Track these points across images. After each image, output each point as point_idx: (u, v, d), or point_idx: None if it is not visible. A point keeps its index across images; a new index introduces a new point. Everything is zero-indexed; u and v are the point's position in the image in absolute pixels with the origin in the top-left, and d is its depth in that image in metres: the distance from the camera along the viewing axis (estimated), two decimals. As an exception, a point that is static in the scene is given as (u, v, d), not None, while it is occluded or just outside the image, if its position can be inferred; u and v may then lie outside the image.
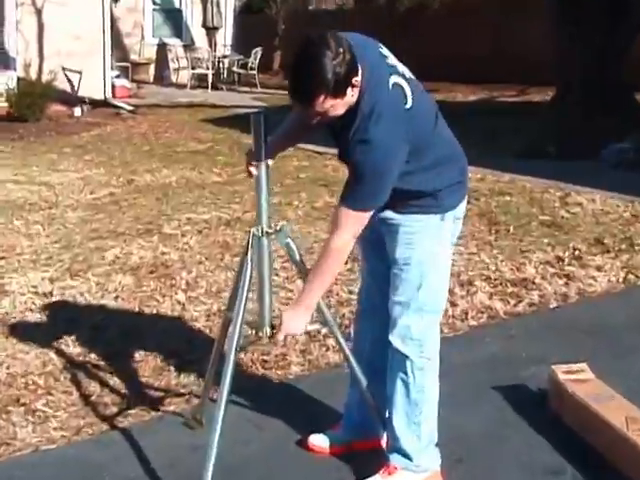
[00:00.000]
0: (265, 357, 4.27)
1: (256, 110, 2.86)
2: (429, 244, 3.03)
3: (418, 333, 3.07)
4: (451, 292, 4.84)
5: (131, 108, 13.53)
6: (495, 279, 5.24)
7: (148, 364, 4.28)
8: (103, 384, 4.06)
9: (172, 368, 4.23)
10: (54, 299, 5.11)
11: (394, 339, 3.09)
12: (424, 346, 3.09)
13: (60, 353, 4.38)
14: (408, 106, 2.81)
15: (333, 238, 2.87)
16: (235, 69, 18.80)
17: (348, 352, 3.17)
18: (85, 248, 6.09)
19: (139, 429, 3.60)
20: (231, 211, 6.86)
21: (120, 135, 11.66)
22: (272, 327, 3.10)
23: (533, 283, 5.16)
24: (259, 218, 3.01)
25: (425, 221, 2.98)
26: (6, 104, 12.31)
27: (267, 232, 3.01)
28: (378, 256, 3.13)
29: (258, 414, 3.66)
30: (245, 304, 2.98)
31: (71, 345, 4.47)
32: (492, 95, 16.07)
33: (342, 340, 3.18)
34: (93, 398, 3.94)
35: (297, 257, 3.07)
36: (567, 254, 5.68)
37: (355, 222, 2.85)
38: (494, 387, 3.82)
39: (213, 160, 9.65)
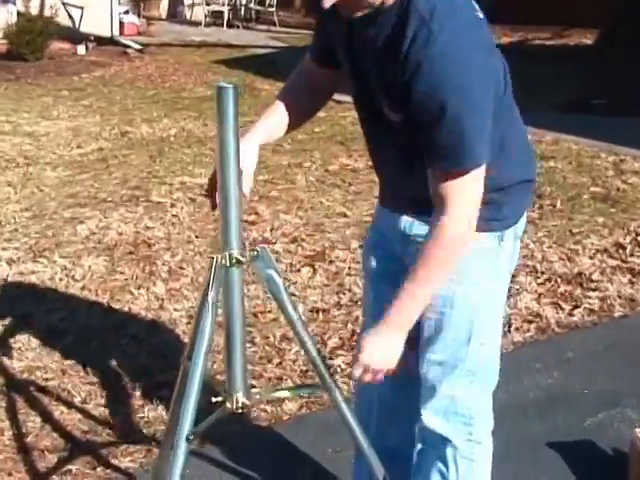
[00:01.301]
0: (253, 382, 3.32)
1: (224, 82, 1.75)
2: (481, 277, 2.04)
3: (466, 406, 2.11)
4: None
5: (139, 47, 12.45)
6: (542, 272, 4.23)
7: (107, 386, 3.33)
8: (45, 417, 3.13)
9: (137, 393, 3.29)
10: (7, 289, 4.16)
11: (429, 416, 2.13)
12: (474, 425, 2.12)
13: (1, 368, 3.45)
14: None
15: (444, 225, 1.86)
16: (252, 6, 17.60)
17: (352, 421, 2.19)
18: (58, 219, 5.12)
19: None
20: (232, 174, 5.83)
21: (124, 77, 10.60)
22: (248, 390, 2.13)
23: (590, 280, 4.14)
24: (226, 240, 2.01)
25: (477, 243, 1.98)
26: (5, 41, 11.28)
27: (238, 260, 2.01)
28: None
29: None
30: (204, 364, 2.00)
31: (16, 356, 3.53)
32: (526, 37, 14.79)
33: (343, 405, 2.18)
34: (28, 439, 3.00)
35: (283, 296, 2.07)
36: (628, 239, 4.64)
37: (472, 189, 1.86)
38: (551, 444, 2.84)
39: (221, 108, 8.58)
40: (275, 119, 2.20)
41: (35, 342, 3.64)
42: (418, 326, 2.08)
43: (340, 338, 3.66)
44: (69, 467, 2.83)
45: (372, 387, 2.28)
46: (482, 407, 2.14)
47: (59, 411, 3.17)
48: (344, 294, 4.08)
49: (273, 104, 2.21)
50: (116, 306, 3.99)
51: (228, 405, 2.09)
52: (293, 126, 2.22)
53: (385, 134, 2.00)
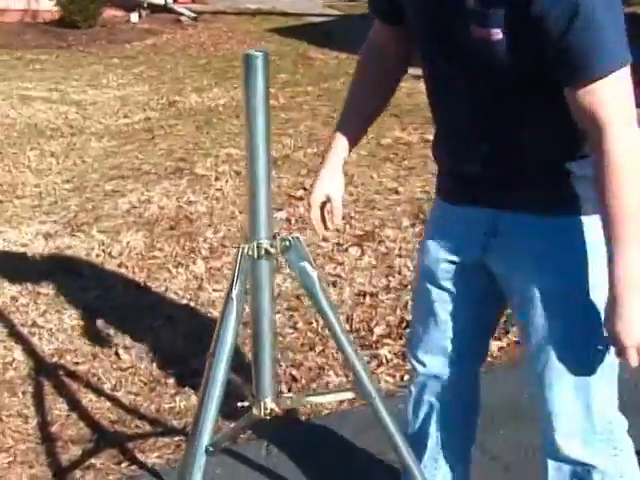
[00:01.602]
0: (293, 372, 3.10)
1: (255, 50, 1.49)
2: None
3: (603, 415, 1.84)
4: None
5: (193, 15, 12.21)
6: None
7: (139, 373, 3.14)
8: (72, 405, 2.95)
9: (170, 381, 3.09)
10: (42, 265, 3.99)
11: (565, 442, 1.86)
12: (615, 440, 1.87)
13: (29, 351, 3.28)
14: None
15: (611, 150, 1.57)
16: (311, -27, 17.23)
17: (395, 433, 1.95)
18: (99, 191, 4.94)
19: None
20: (280, 146, 5.61)
21: (176, 45, 10.38)
22: (278, 395, 1.91)
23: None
24: (254, 228, 1.78)
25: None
26: (57, 8, 11.12)
27: (267, 251, 1.78)
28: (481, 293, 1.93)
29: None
30: (227, 367, 1.78)
31: (46, 338, 3.36)
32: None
33: (385, 415, 1.95)
34: (53, 429, 2.82)
35: (317, 291, 1.83)
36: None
37: (626, 91, 1.58)
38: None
39: (272, 77, 8.35)
40: (355, 123, 2.01)
41: (67, 323, 3.47)
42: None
43: (387, 325, 3.42)
44: (93, 461, 2.64)
45: (433, 392, 2.05)
46: (615, 406, 1.87)
47: (87, 398, 2.99)
48: (393, 277, 3.83)
49: (348, 101, 2.01)
50: (153, 285, 3.79)
51: (255, 411, 1.87)
52: (371, 121, 2.03)
53: (475, 75, 1.68)
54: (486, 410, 2.79)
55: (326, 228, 2.06)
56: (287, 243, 1.80)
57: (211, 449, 1.74)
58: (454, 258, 1.91)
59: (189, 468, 1.75)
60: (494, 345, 3.22)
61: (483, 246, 1.84)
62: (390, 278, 3.82)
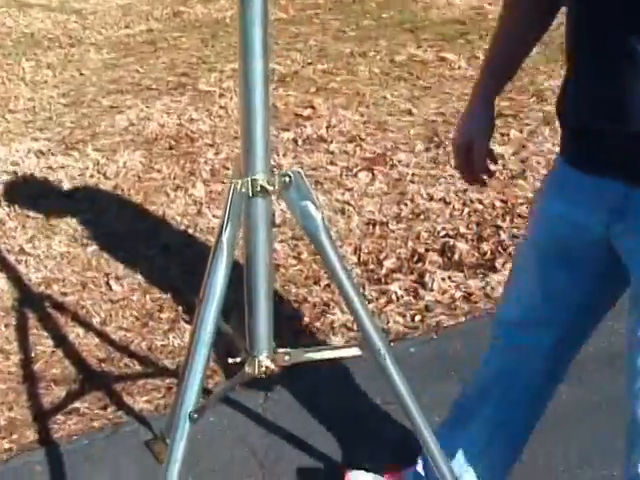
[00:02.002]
0: (295, 306, 2.87)
1: None
2: None
3: None
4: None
5: None
6: None
7: (130, 306, 2.92)
8: (58, 340, 2.74)
9: (164, 316, 2.87)
10: (33, 186, 3.73)
11: None
12: None
13: (15, 279, 3.06)
14: None
15: None
16: None
17: (408, 397, 1.71)
18: (96, 106, 4.64)
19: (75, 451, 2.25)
20: (288, 61, 5.28)
21: (184, -48, 9.93)
22: (274, 351, 1.67)
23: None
24: (249, 161, 1.52)
25: None
26: None
27: (264, 188, 1.52)
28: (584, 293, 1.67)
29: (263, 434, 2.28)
30: (215, 321, 1.54)
31: (33, 266, 3.13)
32: None
33: (396, 378, 1.70)
34: (37, 366, 2.62)
35: (322, 235, 1.58)
36: None
37: None
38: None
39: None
40: (506, 58, 1.72)
41: (56, 250, 3.23)
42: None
43: (398, 258, 3.18)
44: (77, 405, 2.43)
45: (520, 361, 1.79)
46: None
47: (74, 333, 2.77)
48: (405, 205, 3.57)
49: (499, 33, 1.71)
50: (149, 209, 3.54)
51: (248, 369, 1.64)
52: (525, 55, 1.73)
53: None
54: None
55: (476, 180, 1.79)
56: (287, 179, 1.54)
57: (195, 415, 1.50)
58: (571, 229, 1.61)
59: (172, 434, 1.52)
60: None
61: (607, 223, 1.53)
62: (402, 206, 3.56)
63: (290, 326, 2.78)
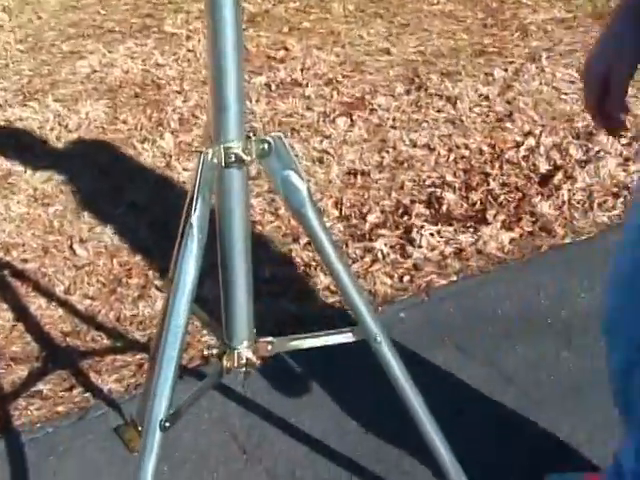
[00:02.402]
0: (273, 269, 2.66)
1: None
2: None
3: None
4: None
5: None
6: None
7: (96, 271, 2.69)
8: (19, 313, 2.52)
9: (133, 282, 2.65)
10: (-12, 141, 3.47)
11: None
12: None
13: (-30, 245, 2.81)
14: None
15: None
16: None
17: (407, 386, 1.52)
18: (56, 52, 4.34)
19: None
20: (258, 0, 4.98)
21: None
22: (255, 340, 1.46)
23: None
24: (221, 127, 1.29)
25: None
26: None
27: (238, 157, 1.30)
28: None
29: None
30: (188, 306, 1.32)
31: (-10, 230, 2.89)
32: None
33: (393, 362, 1.50)
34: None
35: (308, 210, 1.36)
36: None
37: None
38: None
39: None
40: None
41: (15, 211, 2.98)
42: None
43: (382, 212, 2.96)
44: (40, 387, 2.22)
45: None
46: None
47: (36, 305, 2.55)
48: (387, 152, 3.34)
49: None
50: (115, 164, 3.29)
51: (226, 362, 1.43)
52: None
53: None
54: (499, 321, 2.39)
55: (611, 123, 1.37)
56: (265, 146, 1.32)
57: (167, 424, 1.30)
58: None
59: (141, 446, 1.31)
60: (505, 236, 2.78)
61: None
62: (383, 154, 3.33)
63: (269, 289, 2.57)
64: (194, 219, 1.28)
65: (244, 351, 1.44)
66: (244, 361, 1.44)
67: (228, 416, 2.06)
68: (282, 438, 2.01)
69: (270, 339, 1.48)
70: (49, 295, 2.59)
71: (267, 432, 2.03)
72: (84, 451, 1.96)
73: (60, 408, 2.13)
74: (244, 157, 1.28)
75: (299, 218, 1.36)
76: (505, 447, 1.98)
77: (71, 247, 2.80)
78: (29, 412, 2.12)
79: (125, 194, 3.09)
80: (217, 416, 2.06)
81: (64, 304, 2.55)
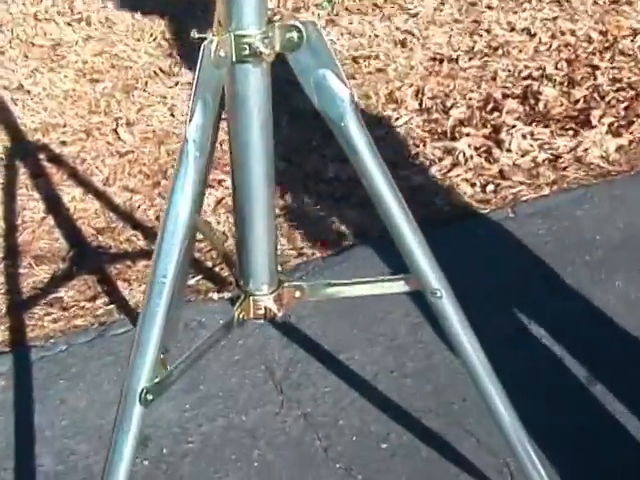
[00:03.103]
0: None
1: None
2: None
3: None
4: None
5: None
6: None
7: (139, 161, 2.39)
8: (50, 205, 2.24)
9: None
10: (37, 7, 3.13)
11: None
12: None
13: (7, 125, 2.53)
14: None
15: None
16: None
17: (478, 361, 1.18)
18: None
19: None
20: None
21: None
22: (278, 283, 1.13)
23: None
24: (233, 7, 0.93)
25: None
26: None
27: (256, 50, 0.94)
28: None
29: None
30: (180, 250, 0.99)
31: (32, 107, 2.59)
32: None
33: (458, 323, 1.16)
34: (21, 238, 2.14)
35: (350, 120, 0.99)
36: None
37: None
38: None
39: None
40: None
41: (60, 87, 2.67)
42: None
43: (468, 106, 2.55)
44: (61, 293, 1.94)
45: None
46: None
47: (70, 195, 2.26)
48: (480, 36, 2.90)
49: None
50: (174, 37, 2.94)
51: (238, 313, 1.10)
52: None
53: None
54: (598, 248, 2.00)
55: None
56: (294, 35, 0.95)
57: (150, 397, 0.98)
58: None
59: (115, 429, 1.01)
60: (611, 143, 2.36)
61: None
62: (475, 38, 2.89)
63: (330, 191, 2.24)
64: (189, 132, 0.93)
65: (263, 299, 1.11)
66: (262, 311, 1.11)
67: (265, 345, 1.75)
68: (327, 378, 1.69)
69: (298, 283, 1.14)
70: (85, 185, 2.29)
71: (310, 369, 1.71)
72: (99, 377, 1.69)
73: (79, 321, 1.85)
74: (262, 49, 0.92)
75: (338, 134, 1.00)
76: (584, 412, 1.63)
77: (115, 130, 2.49)
78: (44, 324, 1.85)
79: (183, 72, 2.75)
80: (252, 345, 1.75)
81: (101, 196, 2.26)
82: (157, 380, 0.99)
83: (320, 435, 1.59)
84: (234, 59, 0.93)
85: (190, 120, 0.92)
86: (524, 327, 1.79)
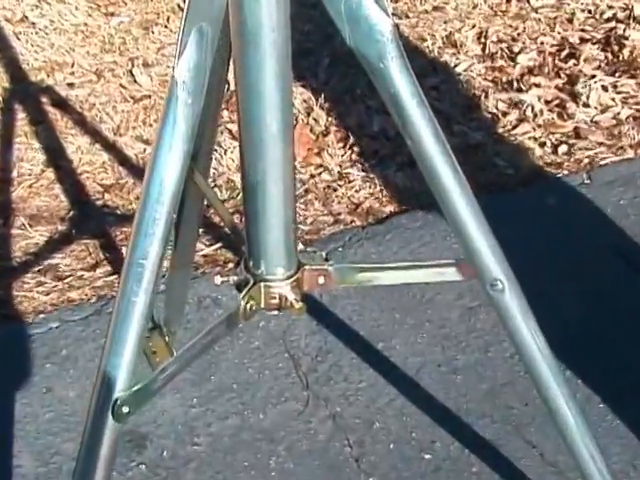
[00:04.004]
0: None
1: None
2: None
3: None
4: None
5: None
6: None
7: (156, 108, 2.23)
8: (51, 156, 2.10)
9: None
10: None
11: None
12: None
13: (7, 63, 2.39)
14: None
15: None
16: None
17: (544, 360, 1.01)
18: None
19: None
20: None
21: None
22: (296, 261, 0.97)
23: None
24: None
25: None
26: None
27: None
28: None
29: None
30: (164, 224, 0.83)
31: (33, 48, 2.45)
32: None
33: (521, 319, 0.99)
34: (18, 193, 1.99)
35: (389, 52, 0.82)
36: None
37: None
38: None
39: None
40: None
41: (70, 20, 2.53)
42: None
43: (540, 52, 2.36)
44: (56, 259, 1.80)
45: None
46: None
47: (75, 145, 2.11)
48: None
49: None
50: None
51: (244, 302, 0.94)
52: None
53: None
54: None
55: None
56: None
57: (126, 409, 0.83)
58: None
59: (82, 447, 0.86)
60: None
61: None
62: None
63: (374, 148, 2.07)
64: (179, 71, 0.77)
65: (277, 285, 0.95)
66: (276, 300, 0.95)
67: (290, 330, 1.60)
68: (361, 371, 1.54)
69: (323, 267, 0.97)
70: (93, 134, 2.15)
71: (341, 360, 1.56)
72: (92, 363, 1.54)
73: (74, 294, 1.71)
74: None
75: (375, 78, 0.83)
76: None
77: (131, 72, 2.34)
78: (35, 296, 1.71)
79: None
80: (274, 328, 1.60)
81: (110, 148, 2.11)
82: (136, 388, 0.84)
83: (351, 441, 1.44)
84: (240, -23, 0.76)
85: (179, 55, 0.76)
86: (600, 312, 1.62)
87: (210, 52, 0.78)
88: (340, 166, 2.03)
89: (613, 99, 2.18)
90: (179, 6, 2.57)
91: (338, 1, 0.79)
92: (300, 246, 0.99)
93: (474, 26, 2.47)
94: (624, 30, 2.39)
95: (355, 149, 2.07)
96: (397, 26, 0.81)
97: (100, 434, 0.84)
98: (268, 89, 0.83)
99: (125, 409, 0.83)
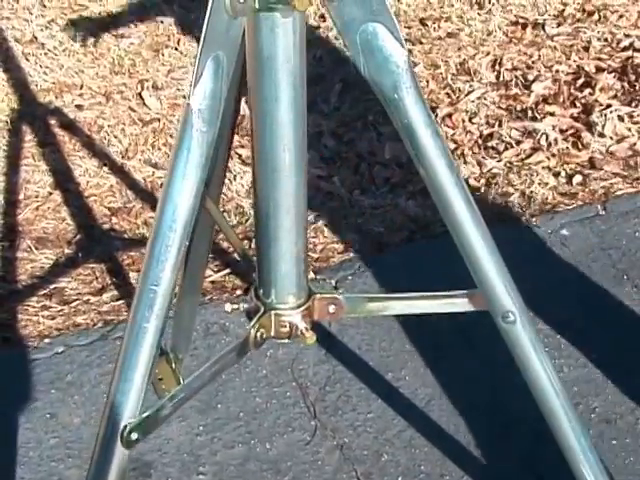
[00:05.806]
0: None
1: None
2: None
3: None
4: None
5: None
6: None
7: (165, 131, 2.26)
8: (59, 178, 2.13)
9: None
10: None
11: None
12: None
13: (16, 84, 2.43)
14: None
15: None
16: None
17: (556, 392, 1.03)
18: None
19: None
20: None
21: None
22: (308, 290, 0.99)
23: None
24: None
25: None
26: None
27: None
28: None
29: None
30: (177, 255, 0.85)
31: (41, 69, 2.48)
32: None
33: (532, 350, 1.01)
34: (21, 217, 2.02)
35: (405, 91, 0.84)
36: None
37: None
38: None
39: None
40: None
41: (75, 46, 2.56)
42: None
43: (555, 80, 2.38)
44: (62, 284, 1.82)
45: None
46: None
47: (83, 168, 2.14)
48: (572, -2, 2.73)
49: None
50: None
51: (254, 331, 0.97)
52: None
53: None
54: None
55: None
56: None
57: (135, 436, 0.85)
58: None
59: (93, 468, 0.88)
60: None
61: None
62: (566, 0, 2.72)
63: (385, 175, 2.10)
64: (194, 99, 0.79)
65: (288, 314, 0.97)
66: (286, 329, 0.97)
67: (299, 359, 1.62)
68: (370, 402, 1.55)
69: (334, 296, 0.99)
70: (101, 157, 2.18)
71: (350, 390, 1.57)
72: (97, 389, 1.56)
73: (80, 319, 1.73)
74: (294, -6, 0.78)
75: (389, 108, 0.85)
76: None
77: (140, 95, 2.37)
78: (40, 320, 1.73)
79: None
80: (283, 357, 1.61)
81: (118, 171, 2.14)
82: (146, 414, 0.86)
83: (359, 472, 1.45)
84: (257, 6, 0.79)
85: (195, 84, 0.78)
86: (617, 341, 1.63)
87: (226, 81, 0.80)
88: (350, 193, 2.06)
89: (629, 129, 2.20)
90: (189, 28, 2.60)
91: (353, 32, 0.82)
92: (310, 274, 1.01)
93: (488, 53, 2.50)
94: (641, 59, 2.42)
95: (366, 176, 2.10)
96: (410, 51, 0.84)
97: (109, 461, 0.86)
98: (282, 119, 0.85)
99: (134, 436, 0.85)
